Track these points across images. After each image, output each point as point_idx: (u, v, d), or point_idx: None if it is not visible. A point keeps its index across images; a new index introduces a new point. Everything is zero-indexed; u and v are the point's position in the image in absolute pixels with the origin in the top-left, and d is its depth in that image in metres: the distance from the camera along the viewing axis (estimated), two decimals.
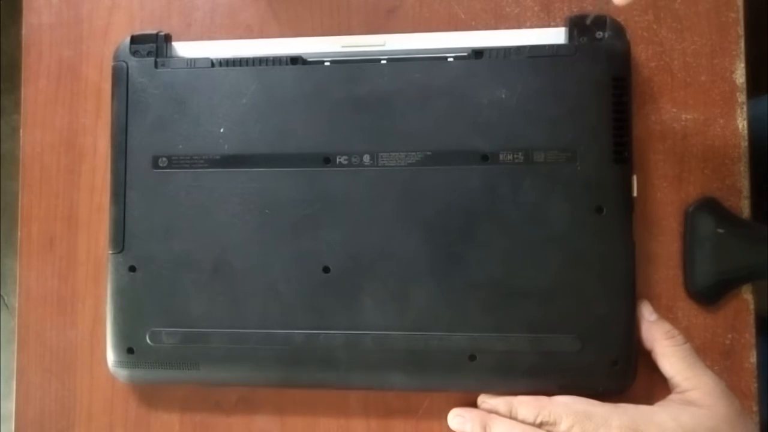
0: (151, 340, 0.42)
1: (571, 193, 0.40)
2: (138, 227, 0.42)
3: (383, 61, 0.42)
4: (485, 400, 0.41)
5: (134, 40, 0.44)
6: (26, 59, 0.48)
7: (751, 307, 0.42)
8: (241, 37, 0.46)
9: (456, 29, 0.44)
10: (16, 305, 0.47)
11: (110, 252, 0.43)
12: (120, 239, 0.42)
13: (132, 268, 0.42)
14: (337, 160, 0.41)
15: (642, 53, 0.43)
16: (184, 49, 0.44)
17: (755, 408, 0.41)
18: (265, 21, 0.46)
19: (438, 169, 0.41)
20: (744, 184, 0.42)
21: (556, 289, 0.40)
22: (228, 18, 0.47)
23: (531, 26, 0.44)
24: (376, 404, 0.44)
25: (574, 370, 0.39)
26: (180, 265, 0.42)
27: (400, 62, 0.42)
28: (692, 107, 0.43)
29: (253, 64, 0.42)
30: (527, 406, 0.39)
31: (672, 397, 0.38)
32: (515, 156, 0.40)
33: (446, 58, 0.41)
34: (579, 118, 0.40)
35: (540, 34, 0.42)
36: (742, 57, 0.43)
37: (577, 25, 0.41)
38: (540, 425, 0.38)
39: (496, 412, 0.40)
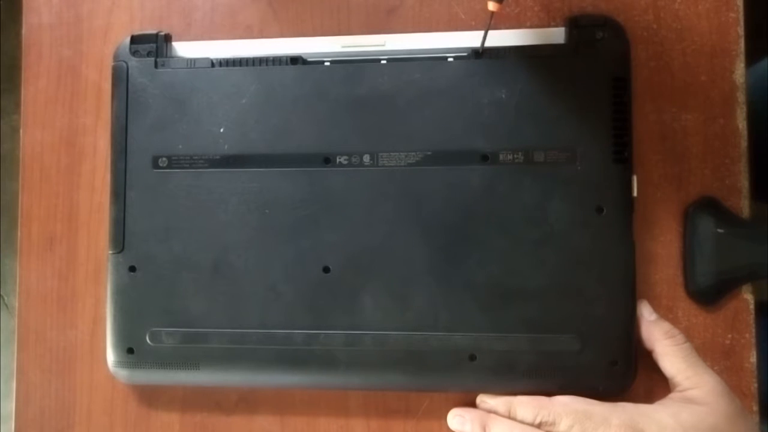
0: (151, 340, 0.42)
1: (571, 193, 0.40)
2: (138, 227, 0.42)
3: (383, 61, 0.42)
4: (484, 400, 0.41)
5: (134, 40, 0.44)
6: (26, 59, 0.48)
7: (751, 307, 0.42)
8: (241, 37, 0.46)
9: (456, 29, 0.44)
10: (16, 305, 0.47)
11: (110, 252, 0.43)
12: (120, 239, 0.42)
13: (132, 268, 0.42)
14: (337, 160, 0.41)
15: (642, 53, 0.43)
16: (184, 49, 0.44)
17: (755, 408, 0.41)
18: (265, 21, 0.46)
19: (438, 169, 0.41)
20: (744, 184, 0.42)
21: (556, 289, 0.40)
22: (228, 18, 0.47)
23: (531, 26, 0.44)
24: (376, 404, 0.44)
25: (573, 370, 0.39)
26: (180, 265, 0.42)
27: (400, 62, 0.42)
28: (692, 107, 0.43)
29: (253, 64, 0.42)
30: (526, 406, 0.39)
31: (672, 395, 0.38)
32: (515, 156, 0.40)
33: (446, 58, 0.41)
34: (579, 118, 0.40)
35: (540, 34, 0.42)
36: (742, 57, 0.43)
37: (577, 26, 0.41)
38: (539, 425, 0.38)
39: (496, 412, 0.40)
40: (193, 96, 0.42)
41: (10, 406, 0.46)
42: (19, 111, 0.48)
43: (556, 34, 0.42)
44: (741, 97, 0.42)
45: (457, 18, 0.45)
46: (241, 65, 0.43)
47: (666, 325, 0.40)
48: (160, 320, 0.42)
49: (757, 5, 0.47)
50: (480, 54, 0.41)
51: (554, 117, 0.40)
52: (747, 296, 0.42)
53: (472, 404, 0.41)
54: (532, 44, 0.41)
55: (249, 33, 0.46)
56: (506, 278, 0.40)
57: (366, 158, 0.41)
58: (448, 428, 0.41)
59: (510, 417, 0.39)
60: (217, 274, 0.42)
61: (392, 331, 0.40)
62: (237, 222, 0.42)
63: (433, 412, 0.43)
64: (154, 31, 0.44)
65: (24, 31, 0.48)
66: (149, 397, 0.45)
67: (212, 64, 0.43)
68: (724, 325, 0.42)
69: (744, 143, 0.42)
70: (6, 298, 1.27)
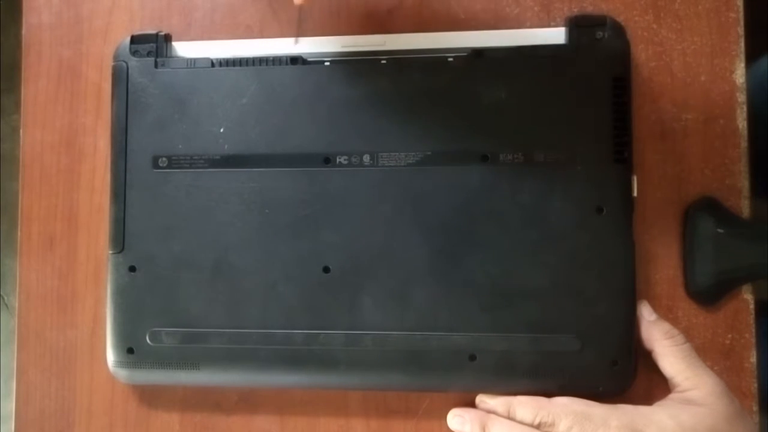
0: (151, 340, 0.42)
1: (571, 193, 0.40)
2: (138, 227, 0.42)
3: (383, 61, 0.42)
4: (484, 400, 0.41)
5: (134, 40, 0.44)
6: (26, 59, 0.48)
7: (751, 307, 0.42)
8: (241, 37, 0.46)
9: (456, 29, 0.44)
10: (16, 305, 0.47)
11: (110, 252, 0.43)
12: (120, 239, 0.42)
13: (132, 268, 0.42)
14: (337, 160, 0.41)
15: (642, 53, 0.43)
16: (184, 49, 0.44)
17: (755, 408, 0.41)
18: (265, 21, 0.46)
19: (438, 169, 0.41)
20: (744, 184, 0.42)
21: (556, 289, 0.40)
22: (228, 18, 0.47)
23: (531, 26, 0.44)
24: (376, 404, 0.44)
25: (573, 370, 0.39)
26: (180, 265, 0.42)
27: (400, 62, 0.42)
28: (692, 107, 0.43)
29: (253, 64, 0.42)
30: (526, 406, 0.39)
31: (672, 396, 0.38)
32: (515, 156, 0.40)
33: (446, 58, 0.41)
34: (579, 118, 0.40)
35: (540, 34, 0.42)
36: (742, 57, 0.43)
37: (577, 26, 0.41)
38: (538, 426, 0.38)
39: (495, 413, 0.40)
40: (193, 96, 0.42)
41: (10, 406, 0.46)
42: (19, 111, 0.48)
43: (556, 34, 0.42)
44: (741, 97, 0.42)
45: (457, 18, 0.45)
46: (241, 65, 0.43)
47: (666, 326, 0.40)
48: (160, 320, 0.42)
49: (757, 5, 0.47)
50: (479, 54, 0.41)
51: (554, 117, 0.40)
52: (747, 296, 0.42)
53: (472, 404, 0.41)
54: (532, 44, 0.41)
55: (249, 33, 0.46)
56: (506, 278, 0.40)
57: (366, 158, 0.41)
58: (448, 428, 0.41)
59: (509, 417, 0.39)
60: (217, 274, 0.42)
61: (392, 331, 0.40)
62: (237, 222, 0.42)
63: (433, 412, 0.43)
64: (154, 31, 0.44)
65: (24, 31, 0.48)
66: (149, 397, 0.45)
67: (212, 64, 0.43)
68: (724, 325, 0.42)
69: (744, 143, 0.42)
70: (6, 298, 1.27)
